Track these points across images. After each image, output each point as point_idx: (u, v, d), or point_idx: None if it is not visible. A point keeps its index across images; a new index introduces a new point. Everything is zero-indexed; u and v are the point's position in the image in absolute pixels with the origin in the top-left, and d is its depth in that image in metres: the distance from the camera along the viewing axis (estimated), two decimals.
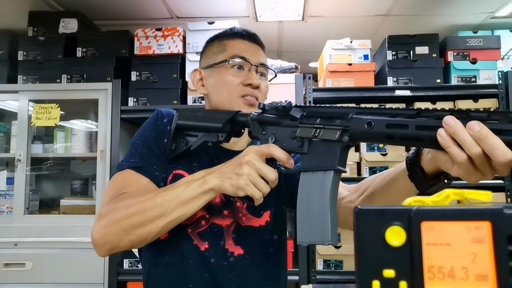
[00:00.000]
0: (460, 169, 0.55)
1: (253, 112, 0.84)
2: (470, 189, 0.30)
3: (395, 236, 0.27)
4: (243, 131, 0.87)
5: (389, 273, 0.27)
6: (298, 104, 0.77)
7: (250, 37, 0.97)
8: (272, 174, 0.73)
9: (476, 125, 0.52)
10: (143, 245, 0.83)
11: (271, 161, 0.75)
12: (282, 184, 0.92)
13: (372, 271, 0.27)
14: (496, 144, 0.50)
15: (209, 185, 0.76)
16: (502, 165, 0.51)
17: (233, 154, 0.88)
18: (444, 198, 0.30)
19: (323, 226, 0.65)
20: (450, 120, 0.54)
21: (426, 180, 0.67)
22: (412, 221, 0.26)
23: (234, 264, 0.88)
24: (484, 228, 0.24)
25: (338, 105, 0.72)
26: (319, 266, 2.11)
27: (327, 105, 0.74)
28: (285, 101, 0.77)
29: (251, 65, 0.93)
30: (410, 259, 0.27)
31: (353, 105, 2.08)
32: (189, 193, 0.76)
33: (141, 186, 0.85)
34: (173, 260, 0.87)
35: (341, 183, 0.78)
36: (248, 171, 0.72)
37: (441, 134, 0.54)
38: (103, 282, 2.13)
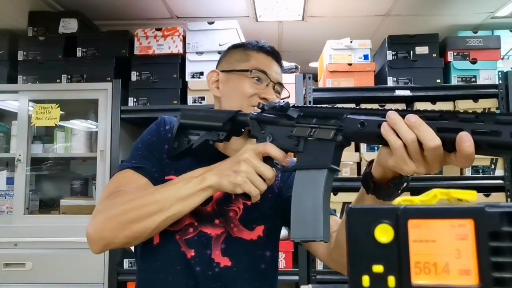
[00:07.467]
0: (396, 157, 0.59)
1: (252, 112, 0.84)
2: (457, 189, 0.31)
3: (384, 233, 0.29)
4: (243, 130, 0.88)
5: (378, 268, 0.29)
6: (296, 104, 0.77)
7: (274, 55, 0.99)
8: (269, 172, 0.74)
9: (412, 117, 0.57)
10: (137, 242, 0.83)
11: (268, 159, 0.76)
12: (279, 200, 0.95)
13: (362, 266, 0.29)
14: (427, 131, 0.56)
15: (208, 182, 0.76)
16: (432, 150, 0.55)
17: None
18: (432, 197, 0.31)
19: (315, 222, 0.66)
20: (391, 114, 0.59)
21: (380, 188, 0.69)
22: (399, 219, 0.28)
23: (219, 275, 0.87)
24: (467, 226, 0.26)
25: (335, 105, 0.72)
26: (319, 266, 2.10)
27: (323, 105, 0.75)
28: (283, 101, 0.77)
29: (271, 81, 0.94)
30: (397, 255, 0.28)
31: (353, 105, 2.10)
32: (188, 190, 0.77)
33: (140, 185, 0.86)
34: (161, 266, 0.88)
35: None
36: (245, 169, 0.73)
37: (383, 126, 0.59)
38: (103, 282, 2.13)
